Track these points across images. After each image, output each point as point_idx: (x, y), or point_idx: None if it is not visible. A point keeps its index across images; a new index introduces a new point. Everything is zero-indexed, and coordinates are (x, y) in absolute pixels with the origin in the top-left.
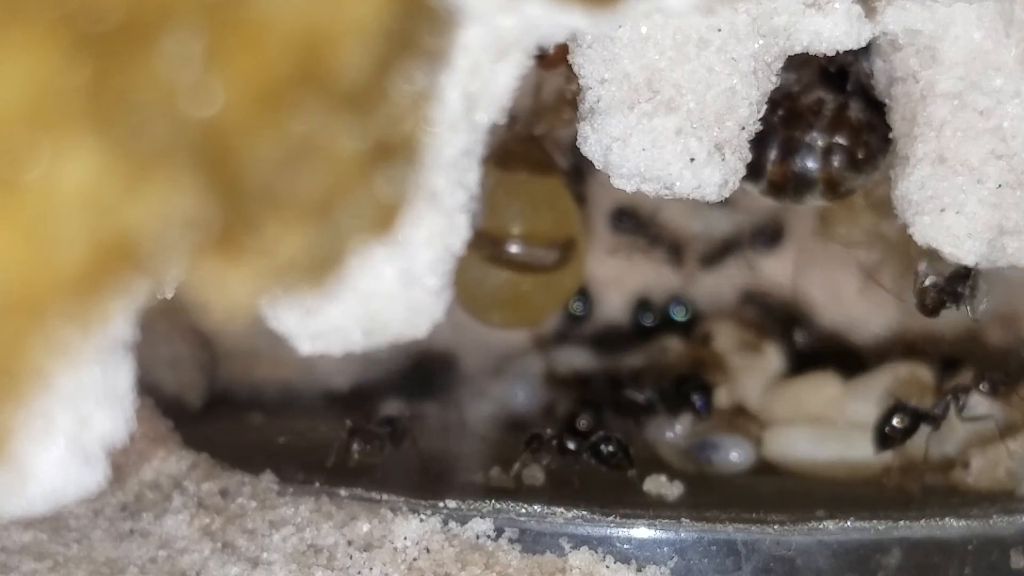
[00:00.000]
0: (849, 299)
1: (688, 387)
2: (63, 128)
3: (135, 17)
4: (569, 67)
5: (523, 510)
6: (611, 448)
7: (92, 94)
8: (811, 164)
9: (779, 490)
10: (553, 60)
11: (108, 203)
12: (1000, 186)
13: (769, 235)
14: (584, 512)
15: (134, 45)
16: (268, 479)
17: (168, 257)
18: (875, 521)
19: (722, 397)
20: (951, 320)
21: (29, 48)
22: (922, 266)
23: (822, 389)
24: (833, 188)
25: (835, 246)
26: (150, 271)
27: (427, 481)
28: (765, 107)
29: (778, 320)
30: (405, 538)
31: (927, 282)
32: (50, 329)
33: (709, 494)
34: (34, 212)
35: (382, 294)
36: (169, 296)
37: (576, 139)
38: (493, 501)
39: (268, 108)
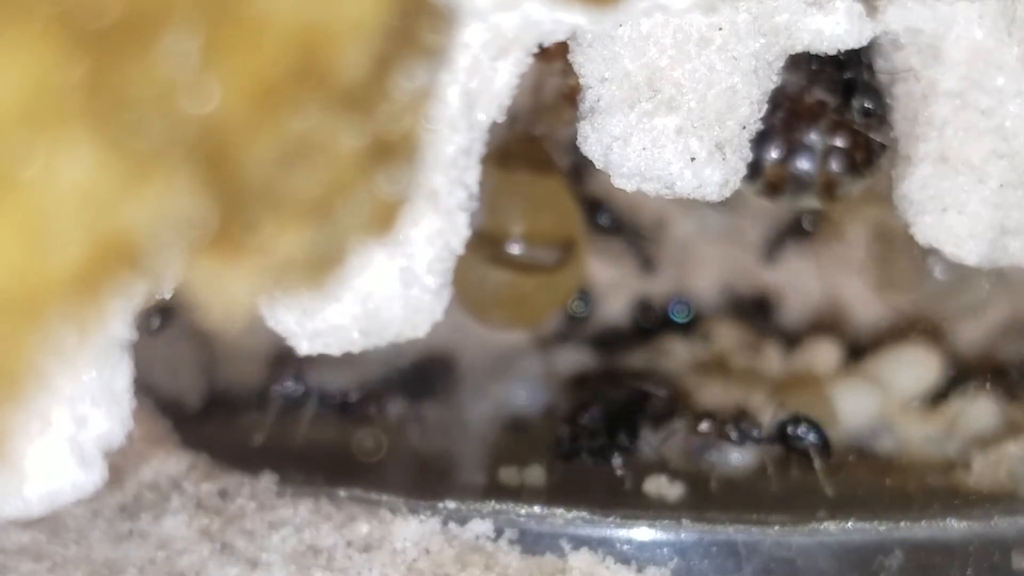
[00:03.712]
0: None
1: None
2: (60, 125)
3: (132, 14)
4: (567, 62)
5: (523, 511)
6: None
7: (89, 91)
8: (808, 166)
9: (780, 491)
10: (552, 53)
11: (105, 201)
12: (1002, 186)
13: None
14: (584, 513)
15: (131, 42)
16: (267, 480)
17: (166, 256)
18: (876, 522)
19: (722, 398)
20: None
21: (26, 45)
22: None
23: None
24: (829, 191)
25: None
26: (148, 270)
27: (427, 482)
28: (766, 107)
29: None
30: (405, 539)
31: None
32: (48, 329)
33: (709, 495)
34: (31, 210)
35: (381, 293)
36: (167, 297)
37: (576, 138)
38: (493, 502)
39: (266, 106)
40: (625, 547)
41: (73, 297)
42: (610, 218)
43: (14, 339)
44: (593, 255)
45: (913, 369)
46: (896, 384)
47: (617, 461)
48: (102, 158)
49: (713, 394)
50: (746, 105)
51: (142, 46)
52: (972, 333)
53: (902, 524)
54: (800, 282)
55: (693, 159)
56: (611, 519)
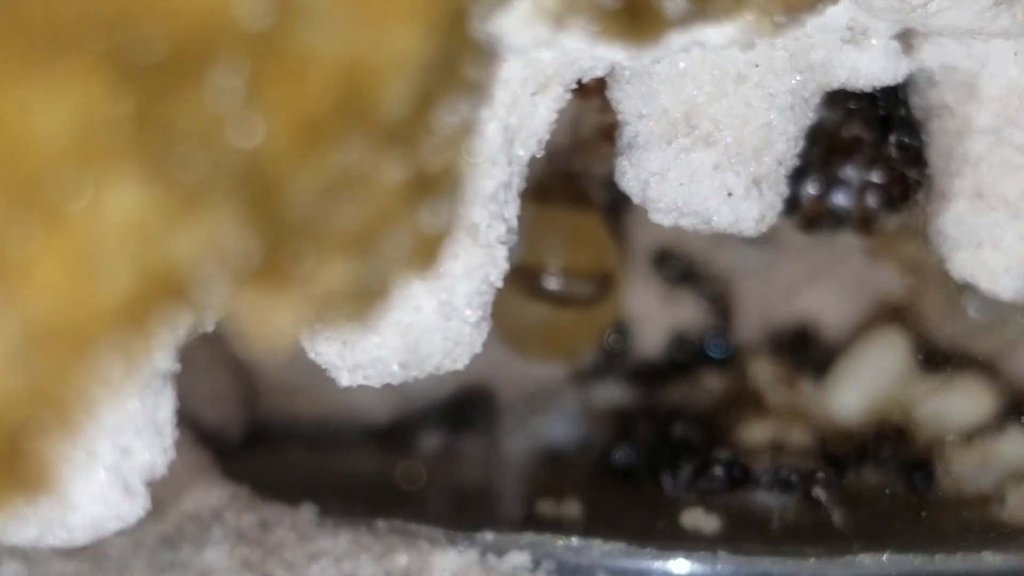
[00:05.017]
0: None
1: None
2: (108, 158)
3: (180, 50)
4: (605, 99)
5: (560, 543)
6: None
7: (137, 125)
8: (845, 201)
9: (816, 523)
10: (590, 90)
11: (152, 233)
12: None
13: None
14: (621, 545)
15: (178, 77)
16: (307, 511)
17: (211, 288)
18: (911, 555)
19: (758, 432)
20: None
21: (76, 80)
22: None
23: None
24: (866, 226)
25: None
26: (193, 302)
27: (465, 513)
28: (802, 143)
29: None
30: (443, 570)
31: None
32: (95, 359)
33: (746, 527)
34: (79, 242)
35: (421, 326)
36: (210, 330)
37: (614, 174)
38: (530, 533)
39: (311, 139)
40: None
41: (120, 328)
42: (677, 269)
43: (63, 369)
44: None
45: (963, 403)
46: (947, 418)
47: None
48: (149, 191)
49: (748, 429)
50: (783, 141)
51: (189, 81)
52: (1010, 365)
53: (936, 557)
54: (837, 317)
55: (730, 194)
56: (648, 551)
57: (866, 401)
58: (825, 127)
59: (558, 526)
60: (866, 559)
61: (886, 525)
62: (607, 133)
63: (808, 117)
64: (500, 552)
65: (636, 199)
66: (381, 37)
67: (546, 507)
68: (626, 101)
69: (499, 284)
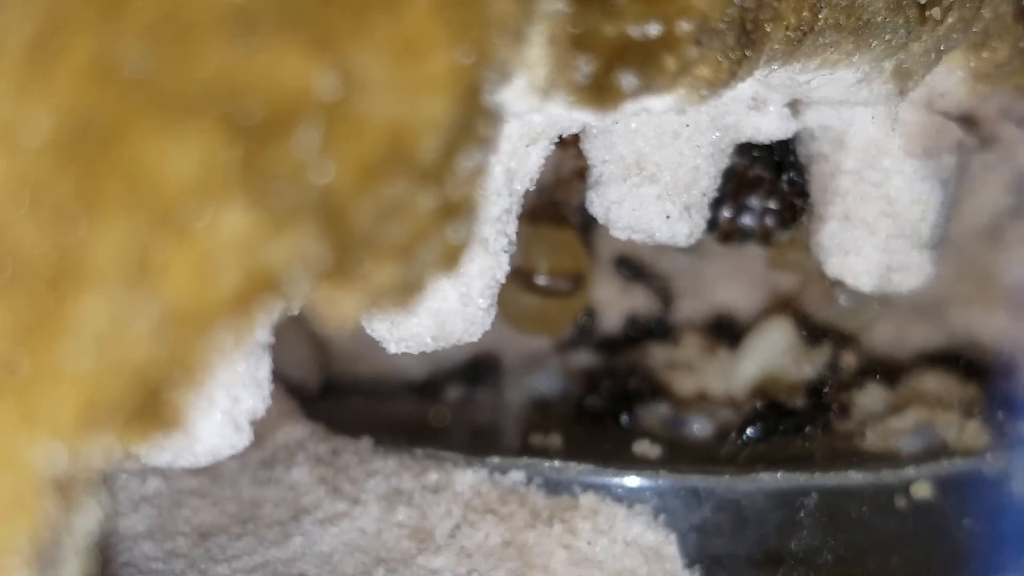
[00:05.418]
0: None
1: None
2: (222, 191)
3: (274, 114)
4: (579, 149)
5: (546, 464)
6: None
7: (243, 168)
8: (751, 222)
9: (730, 451)
10: (568, 142)
11: (254, 246)
12: (887, 237)
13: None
14: (590, 466)
15: (273, 134)
16: (366, 442)
17: (296, 284)
18: (798, 473)
19: (689, 386)
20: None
21: (200, 135)
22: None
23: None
24: (766, 239)
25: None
26: (283, 294)
27: (478, 443)
28: (720, 180)
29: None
30: (463, 483)
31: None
32: (213, 335)
33: (680, 454)
34: (202, 252)
35: (447, 311)
36: (296, 313)
37: (585, 202)
38: (525, 458)
39: (367, 179)
40: (619, 490)
41: (231, 313)
42: (630, 269)
43: (192, 342)
44: (611, 289)
45: (835, 367)
46: (824, 378)
47: (625, 419)
48: (252, 215)
49: (681, 385)
50: (706, 179)
51: (280, 137)
52: (868, 339)
53: (816, 475)
54: (746, 304)
55: (668, 217)
56: (609, 470)
57: (764, 366)
58: (736, 169)
59: (545, 452)
60: (766, 476)
61: (780, 451)
62: (580, 173)
63: (724, 162)
64: (503, 471)
65: (601, 220)
66: (419, 105)
67: (536, 439)
68: (594, 150)
69: (503, 281)
